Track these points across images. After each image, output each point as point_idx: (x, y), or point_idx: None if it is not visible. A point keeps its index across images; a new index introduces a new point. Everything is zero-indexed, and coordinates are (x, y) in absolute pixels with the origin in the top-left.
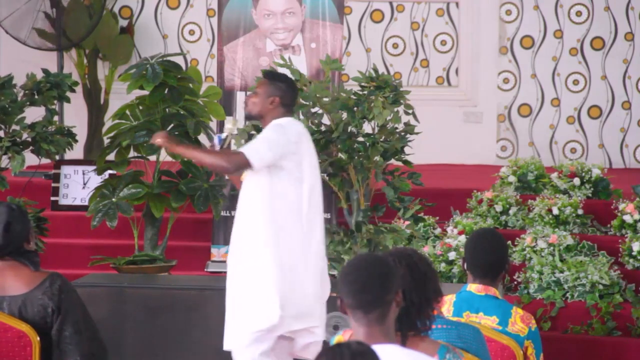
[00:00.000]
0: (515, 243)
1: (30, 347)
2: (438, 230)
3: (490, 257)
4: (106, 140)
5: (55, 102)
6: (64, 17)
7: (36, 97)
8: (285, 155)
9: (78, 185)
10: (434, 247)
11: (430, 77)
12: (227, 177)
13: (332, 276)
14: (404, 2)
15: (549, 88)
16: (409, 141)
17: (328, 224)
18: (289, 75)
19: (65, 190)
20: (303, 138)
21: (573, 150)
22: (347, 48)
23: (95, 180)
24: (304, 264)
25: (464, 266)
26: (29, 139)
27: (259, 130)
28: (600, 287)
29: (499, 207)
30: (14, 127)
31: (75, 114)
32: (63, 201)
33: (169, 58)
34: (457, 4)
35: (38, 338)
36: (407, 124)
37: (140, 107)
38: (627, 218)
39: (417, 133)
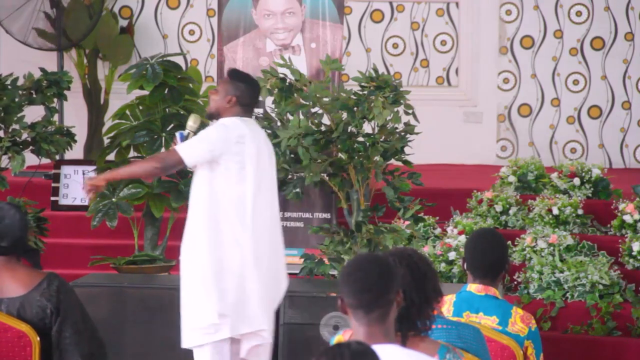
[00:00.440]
0: (515, 243)
1: (30, 347)
2: (438, 230)
3: (490, 257)
4: (106, 140)
5: (55, 100)
6: (64, 17)
7: (34, 96)
8: (224, 154)
9: (78, 185)
10: (434, 247)
11: (430, 77)
12: None
13: (332, 276)
14: (404, 2)
15: (549, 88)
16: (409, 141)
17: (328, 224)
18: (289, 74)
19: (65, 190)
20: (247, 140)
21: (573, 150)
22: (347, 48)
23: None
24: (246, 265)
25: (464, 266)
26: (29, 139)
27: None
28: (600, 287)
29: (499, 207)
30: (13, 126)
31: (75, 113)
32: (63, 201)
33: (169, 58)
34: (457, 4)
35: (38, 338)
36: (407, 124)
37: (140, 107)
38: (627, 218)
39: (417, 133)
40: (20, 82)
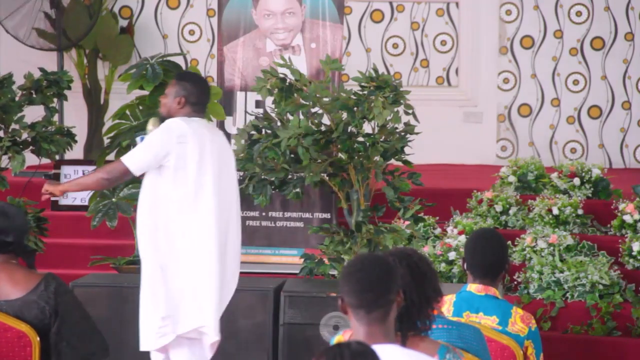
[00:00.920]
0: (515, 243)
1: (30, 347)
2: (438, 230)
3: (490, 257)
4: (106, 140)
5: (55, 100)
6: (63, 17)
7: (34, 96)
8: (167, 155)
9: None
10: (434, 247)
11: (430, 77)
12: None
13: (332, 276)
14: (404, 2)
15: (549, 88)
16: (409, 141)
17: (328, 224)
18: (289, 74)
19: None
20: (188, 139)
21: (573, 150)
22: (347, 48)
23: None
24: (190, 265)
25: (464, 266)
26: (29, 139)
27: (258, 130)
28: (600, 287)
29: (499, 207)
30: (13, 126)
31: (75, 113)
32: (63, 201)
33: (169, 58)
34: (457, 4)
35: (38, 338)
36: (407, 124)
37: (140, 107)
38: (627, 218)
39: (417, 133)
40: (20, 82)
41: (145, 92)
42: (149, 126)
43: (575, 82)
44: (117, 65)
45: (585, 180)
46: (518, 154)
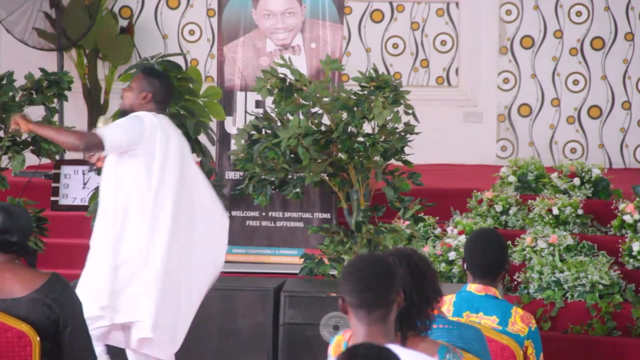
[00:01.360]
0: (515, 243)
1: (30, 347)
2: (438, 230)
3: (490, 257)
4: None
5: (55, 100)
6: (63, 17)
7: (35, 96)
8: (137, 143)
9: (78, 185)
10: (434, 247)
11: (430, 77)
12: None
13: (332, 276)
14: (404, 2)
15: (549, 88)
16: (409, 141)
17: (328, 224)
18: (289, 74)
19: (65, 190)
20: (158, 131)
21: (573, 150)
22: (347, 48)
23: (95, 180)
24: (145, 257)
25: (464, 266)
26: (29, 139)
27: (258, 130)
28: (600, 287)
29: (499, 207)
30: None
31: (75, 113)
32: (63, 201)
33: (169, 58)
34: (457, 4)
35: (38, 338)
36: (407, 124)
37: None
38: (627, 218)
39: (417, 133)
40: (20, 82)
41: None
42: (99, 124)
43: (575, 82)
44: (117, 65)
45: (585, 180)
46: (518, 154)
